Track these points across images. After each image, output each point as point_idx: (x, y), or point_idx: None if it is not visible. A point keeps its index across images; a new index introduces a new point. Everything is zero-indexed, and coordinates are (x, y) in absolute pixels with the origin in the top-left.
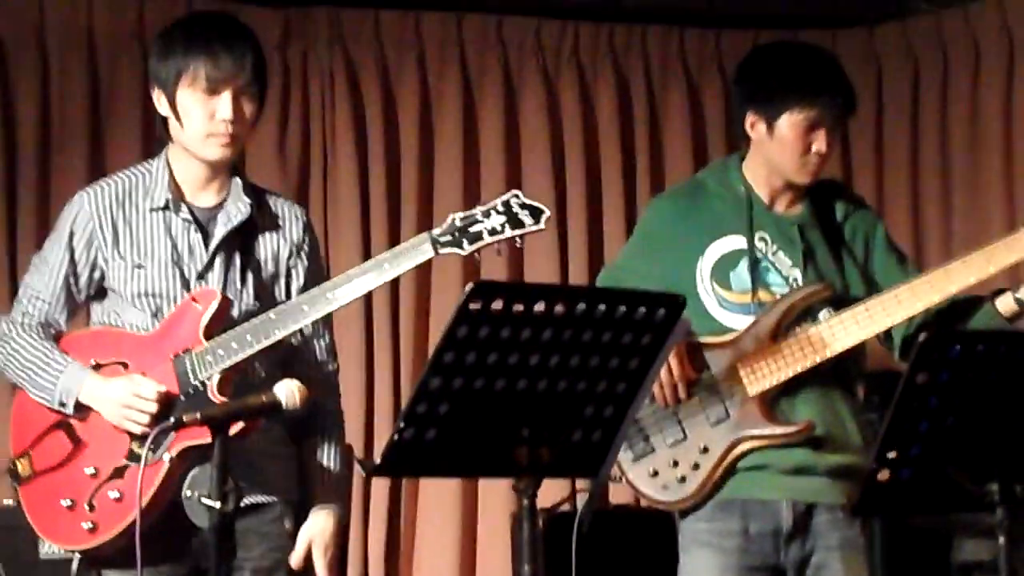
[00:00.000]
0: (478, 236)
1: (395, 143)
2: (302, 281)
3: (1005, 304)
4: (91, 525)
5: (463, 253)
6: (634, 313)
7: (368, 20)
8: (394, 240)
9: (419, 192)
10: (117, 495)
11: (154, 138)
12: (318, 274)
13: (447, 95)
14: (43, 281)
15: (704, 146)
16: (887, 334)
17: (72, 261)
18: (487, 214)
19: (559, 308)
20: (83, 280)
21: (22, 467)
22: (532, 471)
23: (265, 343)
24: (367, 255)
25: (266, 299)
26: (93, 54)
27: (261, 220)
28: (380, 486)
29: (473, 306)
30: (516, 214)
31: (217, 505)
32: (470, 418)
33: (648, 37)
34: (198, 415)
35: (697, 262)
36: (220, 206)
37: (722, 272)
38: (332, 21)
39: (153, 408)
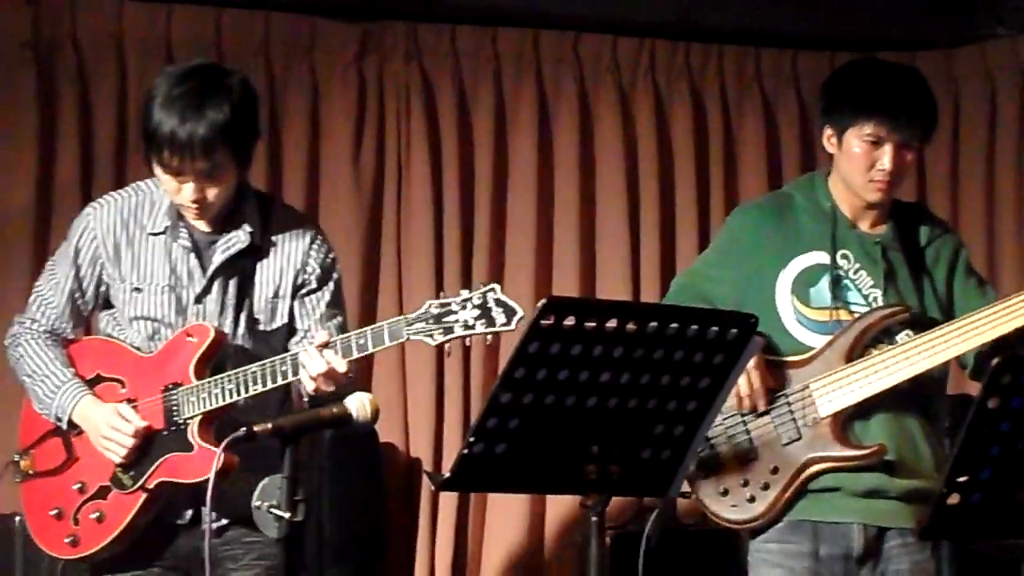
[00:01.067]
0: (450, 329)
1: (469, 158)
2: (307, 308)
3: None
4: (73, 539)
5: (432, 344)
6: (706, 332)
7: (444, 35)
8: (467, 257)
9: (492, 208)
10: (98, 515)
11: None
12: (323, 297)
13: (522, 111)
14: (52, 290)
15: (778, 165)
16: (962, 356)
17: (77, 278)
18: (463, 305)
19: (631, 325)
20: (88, 295)
21: (24, 463)
22: (601, 488)
23: (244, 395)
24: (439, 272)
25: (266, 323)
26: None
27: (265, 243)
28: (448, 500)
29: (545, 322)
30: (490, 310)
31: (287, 515)
32: (540, 434)
33: (724, 56)
34: (269, 425)
35: (778, 275)
36: (223, 230)
37: (802, 287)
38: (409, 35)
39: (130, 443)
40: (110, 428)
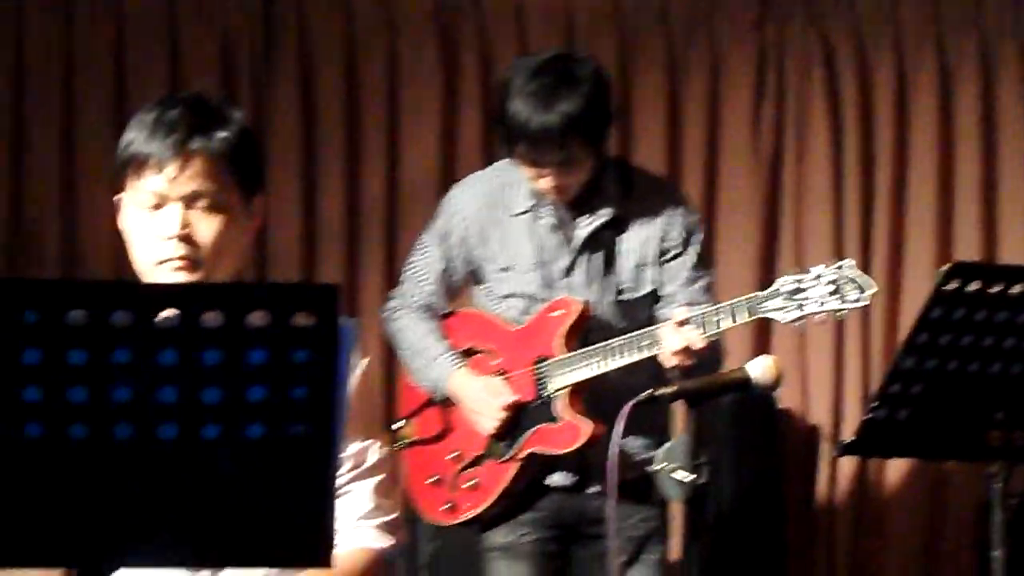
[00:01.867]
0: (801, 306)
1: (869, 127)
2: (671, 272)
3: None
4: (450, 506)
5: (783, 322)
6: None
7: (843, 1)
8: (866, 223)
9: (892, 172)
10: (474, 483)
11: None
12: (687, 261)
13: (921, 75)
14: (424, 269)
15: None
16: None
17: (447, 259)
18: (815, 282)
19: None
20: (458, 275)
21: (406, 431)
22: (1005, 456)
23: (607, 368)
24: (839, 243)
25: (632, 291)
26: (569, 27)
27: (627, 213)
28: (847, 466)
29: (949, 287)
30: (843, 287)
31: (690, 478)
32: (943, 400)
33: None
34: (674, 388)
35: None
36: (584, 205)
37: None
38: (808, 1)
39: (501, 416)
40: (482, 402)
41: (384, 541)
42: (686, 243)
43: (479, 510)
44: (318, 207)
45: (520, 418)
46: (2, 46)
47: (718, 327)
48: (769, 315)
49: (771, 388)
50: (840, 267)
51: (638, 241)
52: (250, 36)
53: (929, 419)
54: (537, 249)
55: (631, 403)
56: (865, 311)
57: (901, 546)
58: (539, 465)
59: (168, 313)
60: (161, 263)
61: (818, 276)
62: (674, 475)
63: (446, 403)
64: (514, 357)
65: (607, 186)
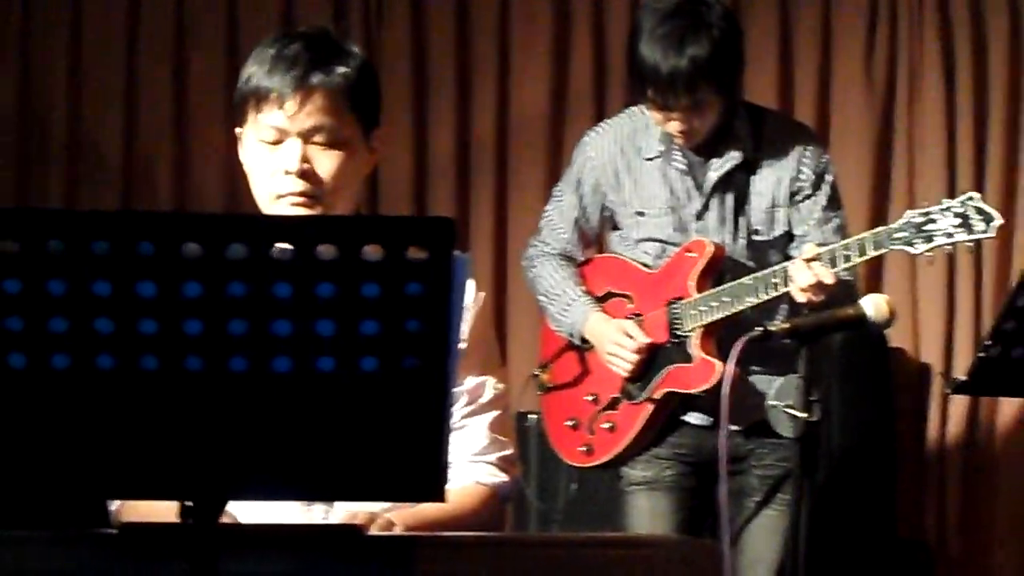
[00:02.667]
0: (930, 237)
1: (983, 60)
2: (803, 213)
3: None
4: (588, 448)
5: (914, 253)
6: None
7: None
8: (979, 163)
9: (1007, 115)
10: (610, 425)
11: None
12: (818, 201)
13: None
14: (559, 217)
15: None
16: None
17: (581, 205)
18: (943, 214)
19: None
20: (593, 221)
21: (545, 376)
22: None
23: (740, 307)
24: (951, 179)
25: (765, 233)
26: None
27: (759, 156)
28: (958, 406)
29: None
30: (969, 218)
31: (803, 415)
32: None
33: None
34: (787, 325)
35: None
36: (715, 149)
37: None
38: None
39: (634, 358)
40: (615, 344)
41: (499, 477)
42: (817, 184)
43: (616, 452)
44: (429, 143)
45: (655, 359)
46: None
47: (848, 261)
48: (899, 248)
49: (884, 326)
50: (966, 199)
51: (770, 183)
52: None
53: None
54: (669, 193)
55: (744, 339)
56: (977, 249)
57: (1013, 487)
58: (675, 405)
59: (283, 246)
60: (280, 197)
61: (945, 208)
62: (787, 411)
63: (584, 347)
64: (649, 299)
65: (738, 129)
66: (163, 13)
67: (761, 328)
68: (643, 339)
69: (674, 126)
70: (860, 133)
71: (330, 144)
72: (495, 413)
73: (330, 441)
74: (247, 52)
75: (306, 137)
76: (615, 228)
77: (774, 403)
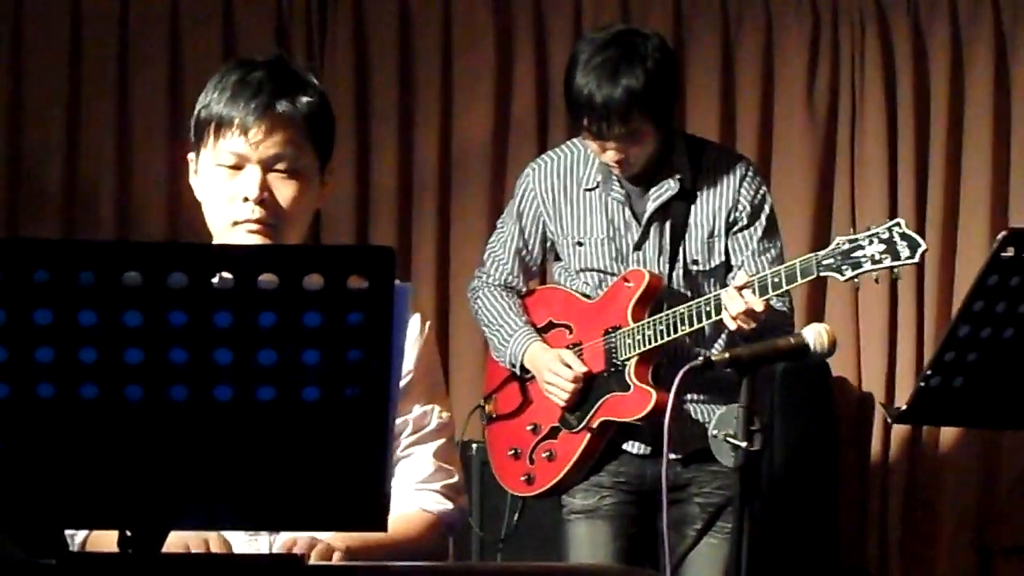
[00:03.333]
0: (858, 264)
1: (924, 89)
2: (740, 243)
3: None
4: (528, 477)
5: (841, 279)
6: None
7: None
8: (921, 190)
9: (948, 138)
10: (548, 454)
11: None
12: (755, 232)
13: (979, 40)
14: (501, 248)
15: None
16: None
17: (523, 236)
18: (870, 240)
19: None
20: (535, 252)
21: (488, 407)
22: None
23: (675, 335)
24: (892, 204)
25: (704, 263)
26: None
27: (696, 184)
28: (900, 435)
29: (1005, 254)
30: (895, 244)
31: (743, 445)
32: (998, 368)
33: None
34: (727, 355)
35: None
36: (653, 180)
37: None
38: None
39: (570, 387)
40: (552, 373)
41: (444, 504)
42: (755, 215)
43: (555, 481)
44: (371, 172)
45: (593, 388)
46: (59, 10)
47: (777, 288)
48: (826, 274)
49: (825, 355)
50: (892, 225)
51: (708, 213)
52: (305, 2)
53: (984, 387)
54: (608, 223)
55: (684, 369)
56: (919, 279)
57: (953, 514)
58: (613, 434)
59: (225, 275)
60: (237, 224)
61: (872, 234)
62: (728, 440)
63: (524, 377)
64: (588, 329)
65: (677, 160)
66: (105, 39)
67: (702, 357)
68: (579, 368)
69: (610, 155)
70: (802, 161)
71: (289, 173)
72: (441, 441)
73: (271, 470)
74: (190, 78)
75: (266, 165)
76: (557, 259)
77: (715, 432)
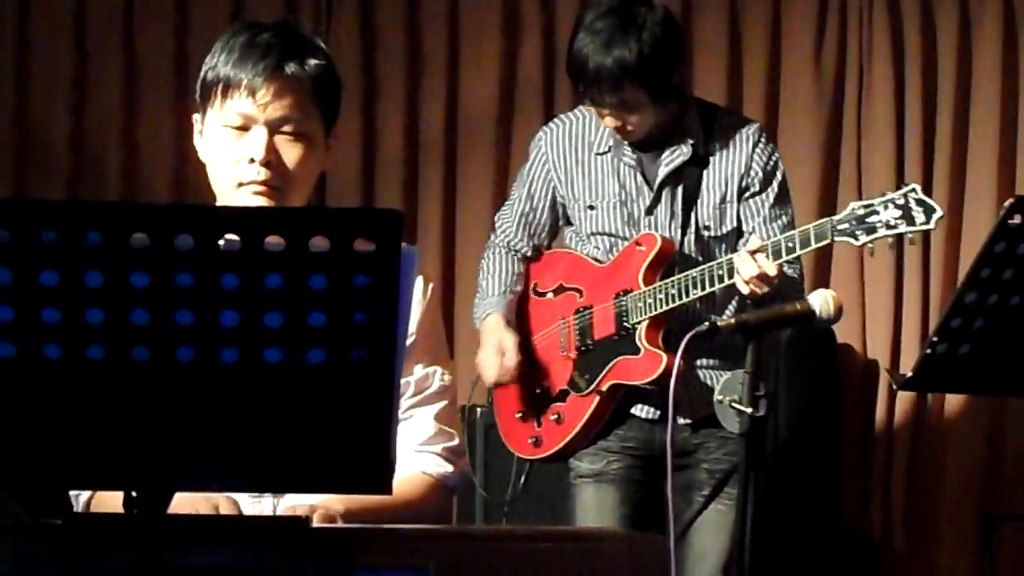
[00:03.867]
0: (872, 229)
1: (932, 59)
2: (752, 209)
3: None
4: (535, 440)
5: (856, 244)
6: None
7: None
8: (927, 160)
9: (955, 112)
10: (557, 416)
11: None
12: (767, 198)
13: (988, 10)
14: (510, 210)
15: None
16: None
17: (530, 199)
18: (885, 206)
19: None
20: (543, 216)
21: None
22: None
23: (686, 299)
24: (899, 175)
25: (715, 228)
26: None
27: (708, 150)
28: (905, 402)
29: (1012, 222)
30: (911, 210)
31: (749, 411)
32: (1005, 335)
33: None
34: (732, 320)
35: None
36: (665, 145)
37: None
38: None
39: (495, 374)
40: (487, 354)
41: (444, 467)
42: (767, 181)
43: (563, 443)
44: (378, 138)
45: (603, 351)
46: None
47: (791, 253)
48: (842, 239)
49: (831, 322)
50: (908, 191)
51: (720, 179)
52: None
53: (990, 354)
54: (619, 187)
55: (689, 334)
56: (925, 245)
57: (958, 482)
58: (622, 397)
59: (231, 237)
60: (242, 185)
61: (887, 200)
62: (733, 406)
63: (536, 338)
64: (599, 292)
65: (689, 125)
66: (111, 3)
67: (708, 323)
68: (509, 364)
69: (608, 121)
70: (809, 125)
71: (295, 136)
72: (442, 404)
73: (277, 432)
74: (197, 42)
75: (273, 127)
76: (568, 223)
77: (720, 397)
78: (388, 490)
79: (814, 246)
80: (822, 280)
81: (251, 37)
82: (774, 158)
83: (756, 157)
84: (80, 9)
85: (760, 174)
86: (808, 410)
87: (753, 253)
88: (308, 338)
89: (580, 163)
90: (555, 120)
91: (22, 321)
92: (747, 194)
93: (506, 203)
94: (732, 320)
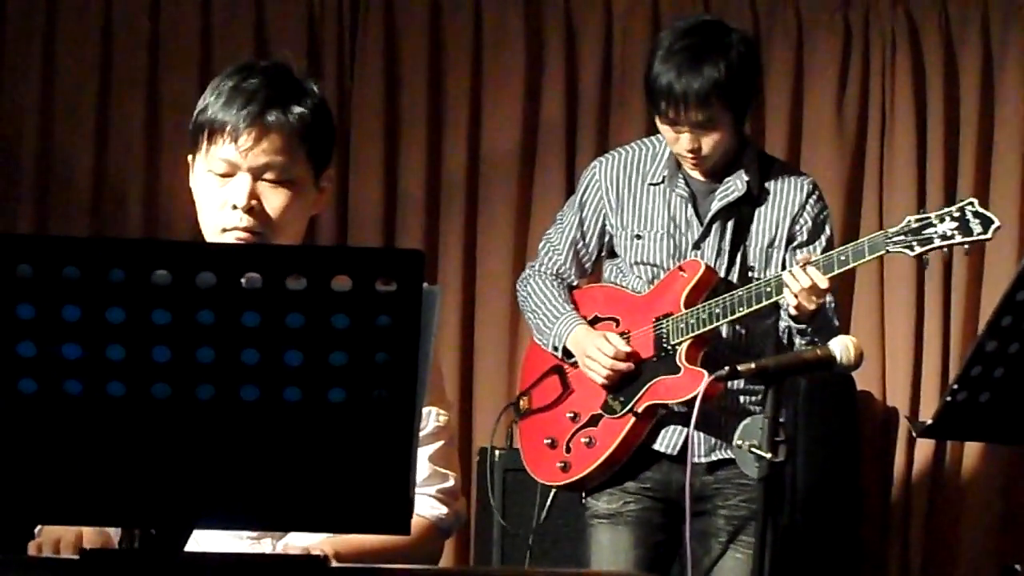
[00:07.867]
0: (928, 240)
1: (954, 106)
2: (797, 258)
3: None
4: (564, 465)
5: (911, 255)
6: None
7: None
8: (950, 195)
9: (977, 160)
10: (588, 440)
11: None
12: (814, 251)
13: (1009, 56)
14: (558, 237)
15: None
16: None
17: (581, 227)
18: (941, 219)
19: None
20: (592, 244)
21: (523, 403)
22: None
23: (730, 317)
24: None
25: (759, 271)
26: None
27: (761, 192)
28: (924, 450)
29: None
30: (968, 222)
31: (768, 456)
32: None
33: None
34: (753, 364)
35: None
36: (720, 180)
37: None
38: None
39: (610, 363)
40: (595, 349)
41: (439, 509)
42: (815, 233)
43: (592, 467)
44: (400, 176)
45: (640, 374)
46: (91, 9)
47: (843, 266)
48: (896, 250)
49: (852, 368)
50: (965, 204)
51: (771, 222)
52: (337, 5)
53: (1010, 402)
54: (669, 218)
55: (709, 378)
56: (945, 292)
57: (977, 530)
58: (655, 420)
59: (253, 275)
60: (225, 231)
61: (944, 213)
62: (752, 451)
63: (567, 363)
64: (637, 319)
65: (747, 164)
66: (137, 40)
67: (728, 367)
68: (622, 346)
69: (684, 142)
70: (831, 175)
71: (279, 182)
72: (438, 444)
73: (296, 471)
74: None
75: (256, 173)
76: (612, 256)
77: (740, 442)
78: (407, 530)
79: (867, 258)
80: (843, 326)
81: (239, 81)
82: (825, 213)
83: (808, 207)
84: (105, 45)
85: (810, 224)
86: (827, 456)
87: (804, 265)
88: (329, 377)
89: (632, 192)
90: (610, 152)
91: (43, 357)
92: (795, 243)
93: (551, 231)
94: (752, 364)
